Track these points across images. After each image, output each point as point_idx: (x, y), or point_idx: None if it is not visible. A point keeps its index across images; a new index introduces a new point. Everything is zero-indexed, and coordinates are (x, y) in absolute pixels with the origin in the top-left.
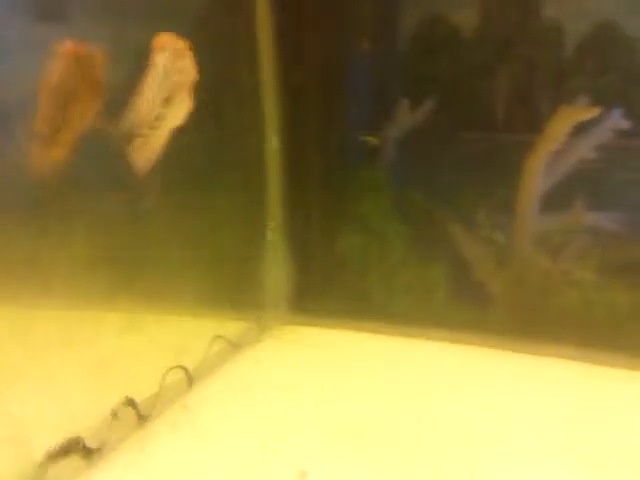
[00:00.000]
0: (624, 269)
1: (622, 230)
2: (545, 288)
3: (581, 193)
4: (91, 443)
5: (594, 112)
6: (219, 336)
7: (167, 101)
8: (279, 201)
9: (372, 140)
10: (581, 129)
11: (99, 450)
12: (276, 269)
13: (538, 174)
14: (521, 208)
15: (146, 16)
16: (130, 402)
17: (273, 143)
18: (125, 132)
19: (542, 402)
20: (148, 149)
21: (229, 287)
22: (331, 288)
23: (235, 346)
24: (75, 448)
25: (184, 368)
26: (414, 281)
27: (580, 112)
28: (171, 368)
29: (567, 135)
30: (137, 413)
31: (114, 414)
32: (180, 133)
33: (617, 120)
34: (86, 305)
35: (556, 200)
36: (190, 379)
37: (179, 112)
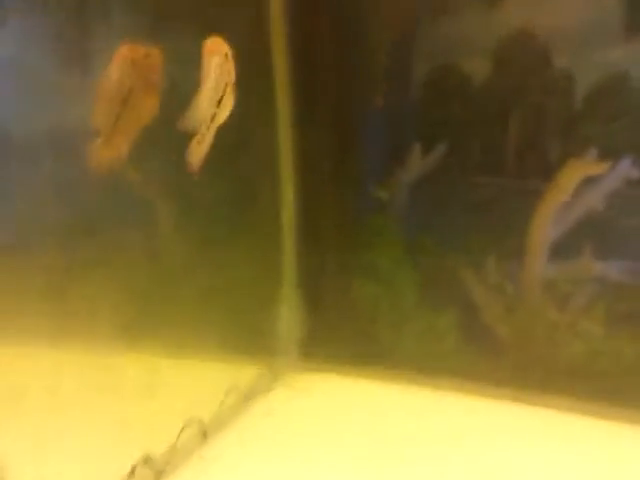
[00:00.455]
0: (630, 319)
1: (629, 279)
2: (552, 338)
3: (589, 242)
4: None
5: (603, 167)
6: (233, 387)
7: (219, 101)
8: (293, 250)
9: (383, 190)
10: (591, 179)
11: None
12: (289, 316)
13: (547, 223)
14: (530, 256)
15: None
16: (147, 459)
17: (288, 195)
18: (189, 131)
19: (548, 457)
20: (203, 147)
21: (243, 334)
22: (343, 335)
23: (248, 395)
24: None
25: (199, 421)
26: (425, 328)
27: (589, 166)
28: (188, 423)
29: (577, 186)
30: (154, 469)
31: (132, 472)
32: (201, 191)
33: (627, 169)
34: (104, 349)
35: (565, 249)
36: (204, 431)
37: (225, 112)
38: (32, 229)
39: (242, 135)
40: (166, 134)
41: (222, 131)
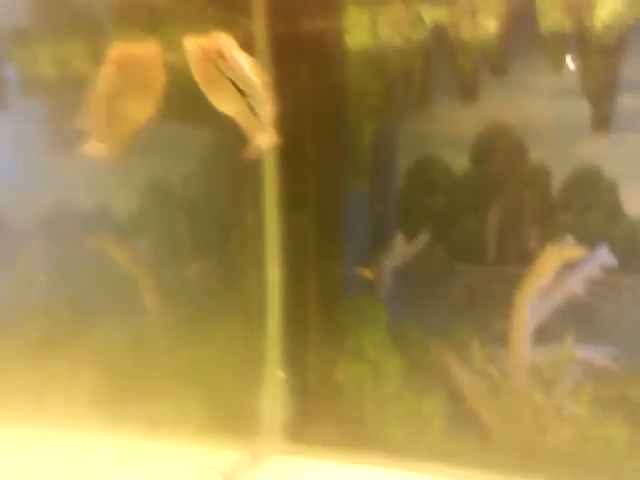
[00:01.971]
0: (618, 404)
1: (613, 365)
2: (538, 422)
3: (572, 327)
4: None
5: (580, 251)
6: (213, 467)
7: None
8: (278, 331)
9: (367, 273)
10: (569, 265)
11: None
12: (272, 397)
13: (528, 308)
14: (513, 341)
15: (162, 152)
16: None
17: (274, 277)
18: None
19: None
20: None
21: (225, 414)
22: (327, 417)
23: (229, 478)
24: None
25: None
26: (410, 412)
27: (567, 251)
28: None
29: (556, 271)
30: None
31: None
32: (183, 268)
33: (604, 257)
34: (81, 424)
35: (548, 334)
36: None
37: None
38: (18, 306)
39: (230, 216)
40: (156, 211)
41: (211, 211)
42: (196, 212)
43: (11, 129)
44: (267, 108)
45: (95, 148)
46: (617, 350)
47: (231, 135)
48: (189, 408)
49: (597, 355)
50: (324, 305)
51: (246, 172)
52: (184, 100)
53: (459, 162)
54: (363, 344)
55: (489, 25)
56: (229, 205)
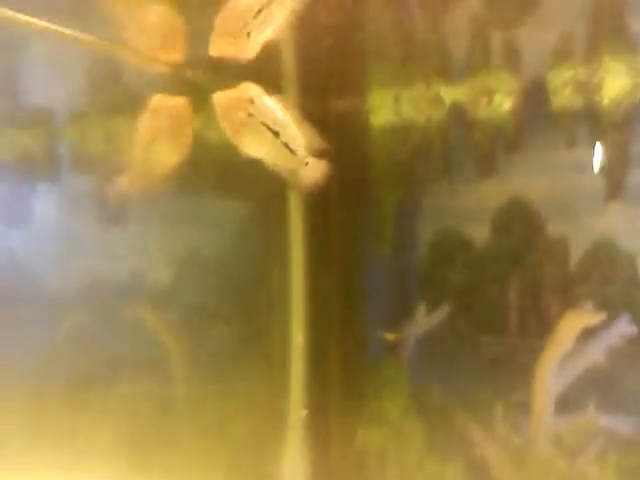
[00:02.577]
0: None
1: (637, 434)
2: None
3: (594, 396)
4: None
5: (599, 317)
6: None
7: None
8: (300, 394)
9: (390, 337)
10: (590, 334)
11: None
12: (292, 461)
13: (550, 376)
14: (536, 409)
15: (189, 220)
16: None
17: (297, 339)
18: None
19: None
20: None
21: (246, 477)
22: None
23: None
24: None
25: None
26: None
27: (586, 317)
28: None
29: (577, 339)
30: None
31: None
32: (211, 329)
33: (624, 326)
34: None
35: (571, 402)
36: None
37: None
38: (54, 372)
39: (257, 280)
40: (189, 280)
41: (240, 275)
42: (226, 278)
43: (59, 202)
44: (303, 142)
45: (127, 184)
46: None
47: (261, 205)
48: (211, 469)
49: (620, 424)
50: (347, 368)
51: (274, 238)
52: (219, 174)
53: (480, 235)
54: (385, 409)
55: (504, 104)
56: (257, 269)
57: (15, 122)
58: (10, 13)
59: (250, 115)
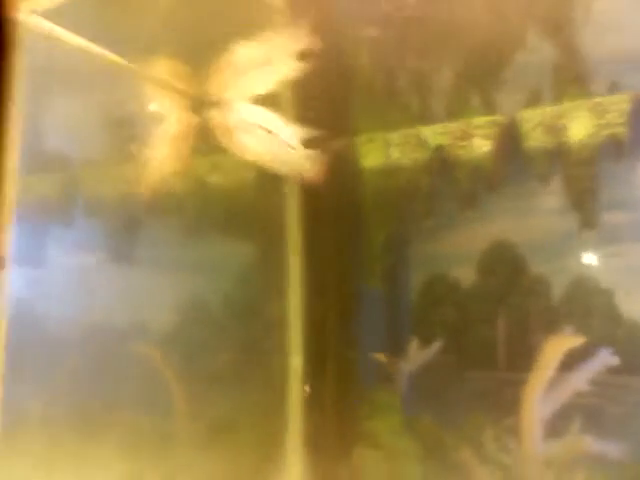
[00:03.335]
0: None
1: (624, 458)
2: None
3: (581, 422)
4: None
5: (579, 340)
6: None
7: None
8: (298, 416)
9: (382, 357)
10: (574, 363)
11: None
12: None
13: (537, 401)
14: (524, 433)
15: (193, 265)
16: None
17: (295, 362)
18: None
19: None
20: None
21: None
22: None
23: None
24: None
25: None
26: None
27: (567, 341)
28: None
29: (561, 367)
30: None
31: None
32: (213, 357)
33: (606, 357)
34: None
35: (559, 427)
36: None
37: None
38: (58, 406)
39: (258, 309)
40: (192, 320)
41: (241, 305)
42: (229, 311)
43: (71, 244)
44: (299, 138)
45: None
46: (627, 445)
47: (262, 244)
48: None
49: (607, 448)
50: (343, 395)
51: (273, 271)
52: (222, 219)
53: (466, 277)
54: (379, 431)
55: (482, 146)
56: (258, 299)
57: (35, 168)
58: (55, 29)
59: (242, 119)
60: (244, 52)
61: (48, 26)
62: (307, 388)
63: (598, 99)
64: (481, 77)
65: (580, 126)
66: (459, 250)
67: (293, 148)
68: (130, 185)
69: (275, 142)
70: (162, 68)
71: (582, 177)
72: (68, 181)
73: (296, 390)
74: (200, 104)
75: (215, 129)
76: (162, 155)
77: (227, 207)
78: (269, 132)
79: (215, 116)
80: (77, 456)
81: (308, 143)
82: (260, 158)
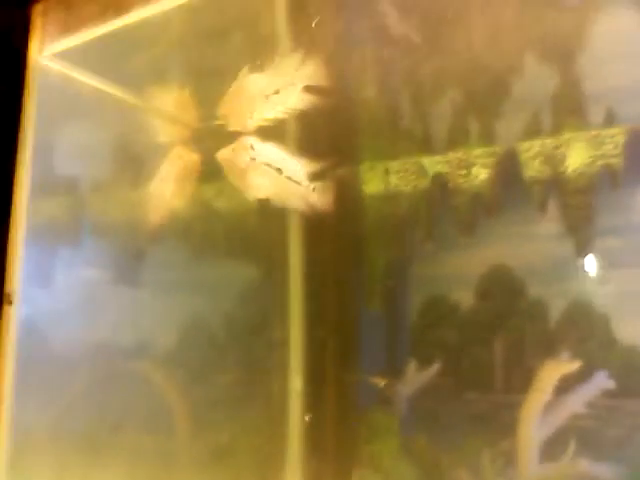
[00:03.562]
0: None
1: None
2: None
3: (576, 445)
4: None
5: (575, 365)
6: None
7: None
8: (297, 438)
9: (379, 382)
10: (570, 386)
11: None
12: None
13: (533, 424)
14: (521, 456)
15: (200, 290)
16: None
17: (296, 384)
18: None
19: None
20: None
21: None
22: None
23: None
24: None
25: None
26: None
27: (563, 365)
28: None
29: (556, 390)
30: None
31: None
32: (214, 379)
33: (603, 381)
34: None
35: (554, 450)
36: None
37: None
38: (59, 427)
39: (259, 332)
40: (194, 341)
41: (243, 328)
42: (229, 334)
43: (79, 265)
44: (305, 173)
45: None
46: (623, 467)
47: (263, 268)
48: None
49: (603, 471)
50: (341, 416)
51: (275, 293)
52: (224, 242)
53: (464, 300)
54: (377, 453)
55: (480, 174)
56: (259, 322)
57: (45, 191)
58: (67, 70)
59: (252, 159)
60: (252, 82)
61: (63, 66)
62: (307, 418)
63: (595, 132)
64: (481, 107)
65: (577, 156)
66: (458, 274)
67: (299, 183)
68: (136, 211)
69: (283, 180)
70: (169, 100)
71: (579, 205)
72: (77, 205)
73: (296, 412)
74: (207, 137)
75: (224, 167)
76: (167, 189)
77: (231, 231)
78: (278, 170)
79: (224, 154)
80: (84, 477)
81: (314, 176)
82: (270, 197)
